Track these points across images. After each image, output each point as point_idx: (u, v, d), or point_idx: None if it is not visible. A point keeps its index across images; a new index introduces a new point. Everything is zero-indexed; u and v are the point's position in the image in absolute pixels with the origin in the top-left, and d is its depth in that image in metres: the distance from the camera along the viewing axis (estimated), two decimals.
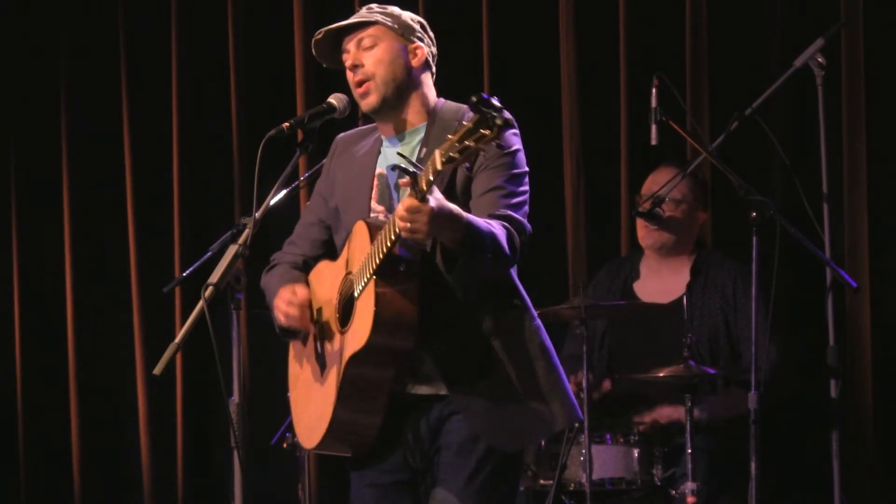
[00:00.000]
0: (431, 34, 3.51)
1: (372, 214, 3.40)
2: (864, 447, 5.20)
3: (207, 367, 6.13)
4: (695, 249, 5.17)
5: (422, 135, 3.42)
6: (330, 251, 3.51)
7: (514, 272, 3.39)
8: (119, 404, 6.54)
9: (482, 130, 2.95)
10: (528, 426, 3.35)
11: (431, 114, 3.42)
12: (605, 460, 4.79)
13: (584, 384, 4.71)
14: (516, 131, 3.40)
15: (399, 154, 3.19)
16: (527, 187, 3.37)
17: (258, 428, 5.16)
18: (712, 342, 5.00)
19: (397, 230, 3.09)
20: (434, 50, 3.50)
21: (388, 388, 3.30)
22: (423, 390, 3.34)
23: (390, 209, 3.39)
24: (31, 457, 6.62)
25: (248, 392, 5.90)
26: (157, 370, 3.24)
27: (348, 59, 3.42)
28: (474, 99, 2.95)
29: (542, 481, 4.84)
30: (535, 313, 3.40)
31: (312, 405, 3.41)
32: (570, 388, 3.41)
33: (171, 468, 6.36)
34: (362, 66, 3.40)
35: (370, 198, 3.42)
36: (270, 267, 3.59)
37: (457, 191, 3.31)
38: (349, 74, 3.43)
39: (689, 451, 4.59)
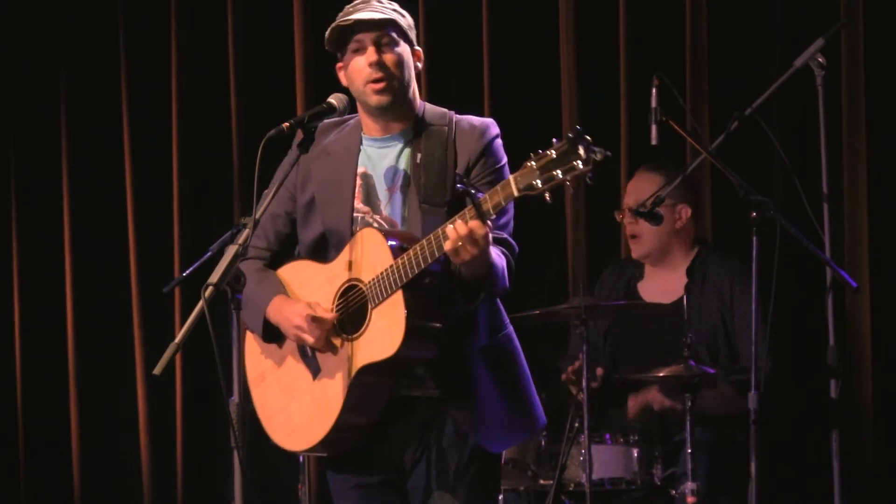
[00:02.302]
0: None
1: (356, 215, 3.41)
2: (864, 447, 5.19)
3: (207, 367, 6.13)
4: (694, 247, 5.17)
5: (404, 139, 3.43)
6: (292, 245, 3.52)
7: None
8: (119, 405, 6.54)
9: (573, 162, 2.92)
10: (512, 429, 3.43)
11: (416, 118, 3.44)
12: (605, 460, 4.79)
13: (583, 383, 4.70)
14: (501, 142, 3.45)
15: (463, 181, 3.19)
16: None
17: (258, 428, 5.16)
18: (711, 342, 5.00)
19: (445, 247, 3.11)
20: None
21: (387, 394, 3.34)
22: (416, 392, 3.37)
23: (376, 210, 3.40)
24: (31, 457, 6.61)
25: (248, 392, 5.91)
26: (157, 370, 3.23)
27: (369, 55, 3.40)
28: (571, 135, 2.94)
29: (542, 481, 4.84)
30: (507, 320, 3.47)
31: (299, 408, 3.42)
32: (536, 393, 3.47)
33: (170, 469, 6.36)
34: (386, 65, 3.39)
35: (353, 197, 3.42)
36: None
37: (459, 200, 3.31)
38: (367, 71, 3.40)
39: (689, 450, 4.59)
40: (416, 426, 3.39)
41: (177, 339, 3.25)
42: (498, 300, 3.44)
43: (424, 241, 3.18)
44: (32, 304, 6.67)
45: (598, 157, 2.92)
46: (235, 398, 3.44)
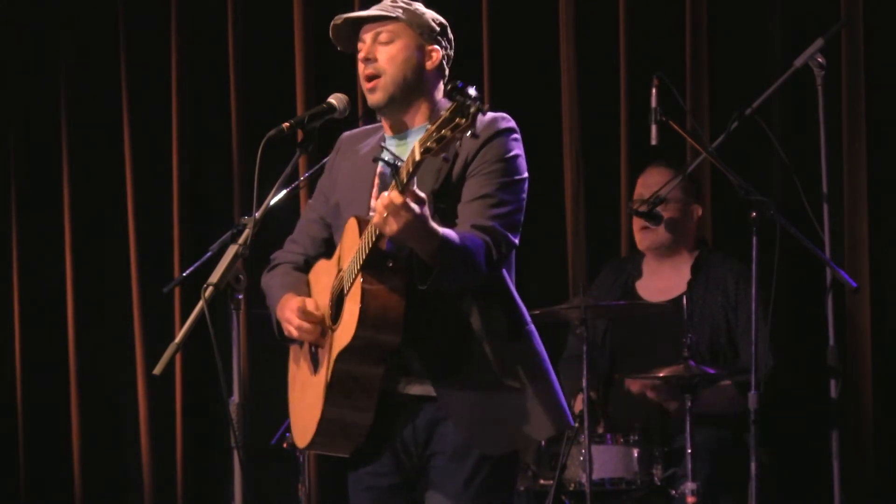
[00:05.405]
0: (451, 37, 3.47)
1: (371, 213, 3.35)
2: (864, 447, 5.20)
3: (207, 367, 6.13)
4: (696, 247, 5.18)
5: (420, 134, 3.40)
6: (331, 249, 3.47)
7: (507, 275, 3.35)
8: (119, 404, 6.54)
9: (457, 119, 2.91)
10: (518, 431, 3.30)
11: (433, 115, 3.38)
12: (605, 460, 4.79)
13: (583, 383, 4.71)
14: (517, 136, 3.37)
15: (383, 147, 3.17)
16: (521, 195, 3.33)
17: (258, 428, 5.16)
18: (713, 340, 5.00)
19: (374, 222, 3.08)
20: (451, 53, 3.47)
21: (377, 385, 3.26)
22: (415, 390, 3.31)
23: None
24: (31, 456, 6.62)
25: (248, 392, 5.91)
26: (157, 370, 3.23)
27: (362, 51, 3.39)
28: (449, 87, 2.92)
29: (542, 481, 4.84)
30: (528, 318, 3.37)
31: (306, 404, 3.39)
32: (561, 393, 3.36)
33: (170, 468, 6.37)
34: (375, 60, 3.36)
35: (370, 196, 3.39)
36: (272, 266, 3.56)
37: (450, 190, 3.28)
38: (360, 65, 3.40)
39: (690, 451, 4.59)
40: (419, 429, 3.32)
41: (177, 339, 3.24)
42: (514, 297, 3.36)
43: (371, 222, 3.14)
44: (33, 304, 6.67)
45: (473, 109, 2.90)
46: (235, 398, 3.44)
